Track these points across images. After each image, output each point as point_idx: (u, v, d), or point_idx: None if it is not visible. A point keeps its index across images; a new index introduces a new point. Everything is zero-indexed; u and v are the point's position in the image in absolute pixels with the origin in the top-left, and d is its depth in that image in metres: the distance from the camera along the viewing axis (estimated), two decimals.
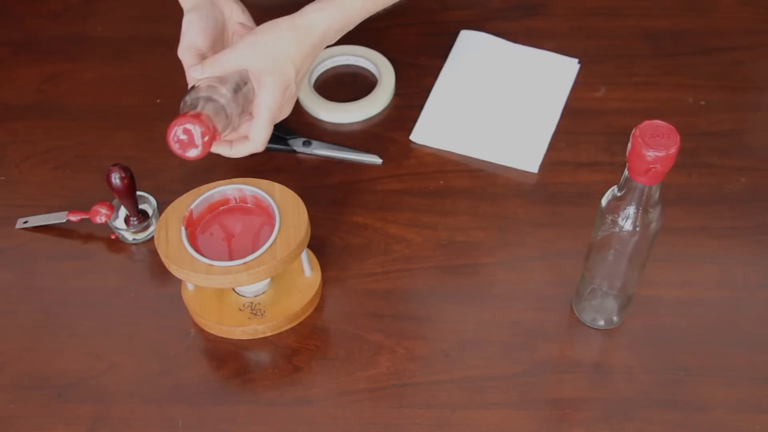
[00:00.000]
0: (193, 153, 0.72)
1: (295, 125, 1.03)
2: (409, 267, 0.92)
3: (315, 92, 1.06)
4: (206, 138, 0.71)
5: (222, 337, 0.87)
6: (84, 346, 0.86)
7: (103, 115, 1.06)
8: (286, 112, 0.81)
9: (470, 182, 0.97)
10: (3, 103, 1.07)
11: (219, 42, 0.83)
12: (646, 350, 0.85)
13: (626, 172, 0.69)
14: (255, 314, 0.86)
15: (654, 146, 0.65)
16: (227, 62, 0.77)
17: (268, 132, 0.79)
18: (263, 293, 0.88)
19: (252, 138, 0.79)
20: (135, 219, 0.91)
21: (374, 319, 0.87)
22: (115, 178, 0.87)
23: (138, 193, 0.95)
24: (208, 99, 0.74)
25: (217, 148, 0.80)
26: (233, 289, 0.87)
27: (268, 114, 0.78)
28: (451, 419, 0.81)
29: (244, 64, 0.77)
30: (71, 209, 0.94)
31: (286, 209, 0.83)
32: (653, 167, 0.66)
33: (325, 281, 0.90)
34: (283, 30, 0.78)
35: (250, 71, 0.77)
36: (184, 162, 1.00)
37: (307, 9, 0.79)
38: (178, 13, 1.17)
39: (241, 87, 0.77)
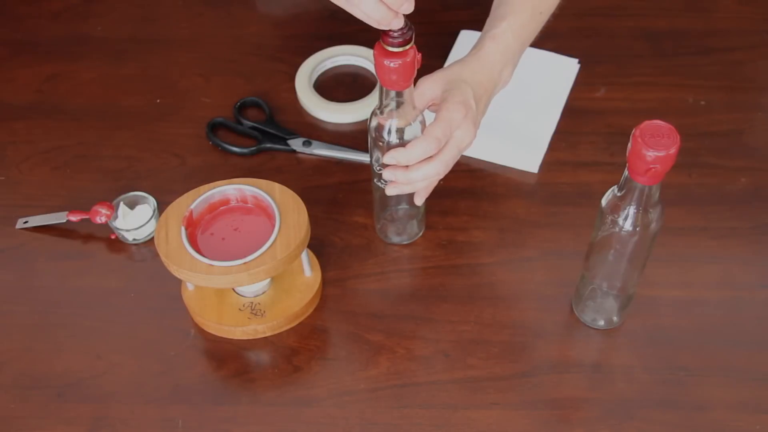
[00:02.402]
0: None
1: (295, 125, 1.04)
2: (409, 267, 0.92)
3: (315, 92, 1.06)
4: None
5: (222, 337, 0.87)
6: (84, 346, 0.86)
7: (103, 115, 1.06)
8: (466, 132, 0.80)
9: (470, 182, 0.97)
10: (3, 103, 1.07)
11: None
12: (646, 350, 0.85)
13: (626, 172, 0.69)
14: (255, 314, 0.86)
15: (654, 146, 0.65)
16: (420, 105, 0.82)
17: (442, 131, 0.78)
18: (263, 293, 0.88)
19: (425, 132, 0.78)
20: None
21: (374, 319, 0.87)
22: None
23: (138, 193, 0.95)
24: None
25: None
26: (233, 289, 0.87)
27: (444, 113, 0.79)
28: (451, 419, 0.81)
29: (433, 94, 0.82)
30: (71, 209, 0.94)
31: (286, 209, 0.83)
32: (653, 167, 0.66)
33: (325, 281, 0.90)
34: (455, 64, 0.85)
35: (436, 102, 0.82)
36: (184, 162, 1.01)
37: (472, 49, 0.87)
38: (178, 13, 1.18)
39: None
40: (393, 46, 0.71)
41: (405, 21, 0.71)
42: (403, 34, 0.71)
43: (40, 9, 1.18)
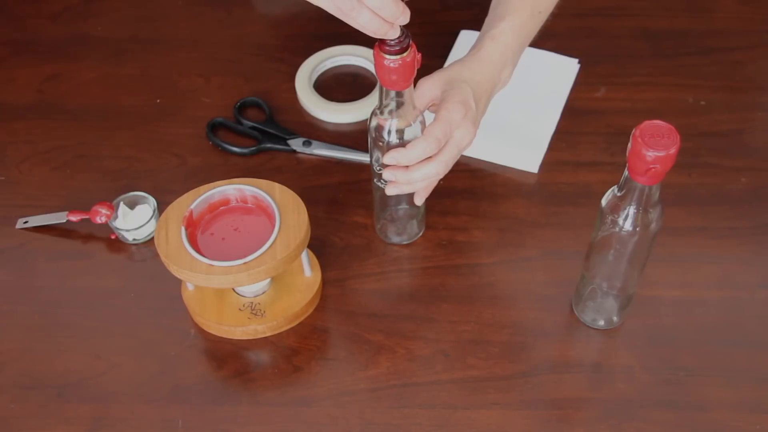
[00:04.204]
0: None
1: (295, 125, 1.04)
2: (409, 267, 0.92)
3: (315, 92, 1.06)
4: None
5: (222, 337, 0.87)
6: (84, 346, 0.86)
7: (103, 115, 1.06)
8: (466, 132, 0.80)
9: (470, 182, 0.97)
10: (3, 103, 1.07)
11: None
12: (646, 350, 0.85)
13: (626, 172, 0.69)
14: (255, 314, 0.86)
15: (654, 146, 0.65)
16: (421, 99, 0.82)
17: (442, 131, 0.78)
18: (263, 293, 0.88)
19: (425, 132, 0.78)
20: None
21: (374, 319, 0.87)
22: None
23: (138, 193, 0.95)
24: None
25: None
26: (233, 289, 0.87)
27: (444, 113, 0.79)
28: (451, 419, 0.81)
29: (433, 95, 0.82)
30: (71, 209, 0.94)
31: (286, 209, 0.83)
32: (653, 167, 0.66)
33: (325, 281, 0.90)
34: (455, 64, 0.85)
35: (436, 102, 0.82)
36: (184, 162, 1.01)
37: (471, 49, 0.87)
38: (178, 13, 1.18)
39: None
40: (390, 54, 0.72)
41: (401, 29, 0.71)
42: (399, 42, 0.72)
43: (40, 9, 1.18)
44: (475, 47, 0.86)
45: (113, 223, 0.93)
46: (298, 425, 0.81)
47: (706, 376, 0.83)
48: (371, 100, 1.04)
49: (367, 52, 1.08)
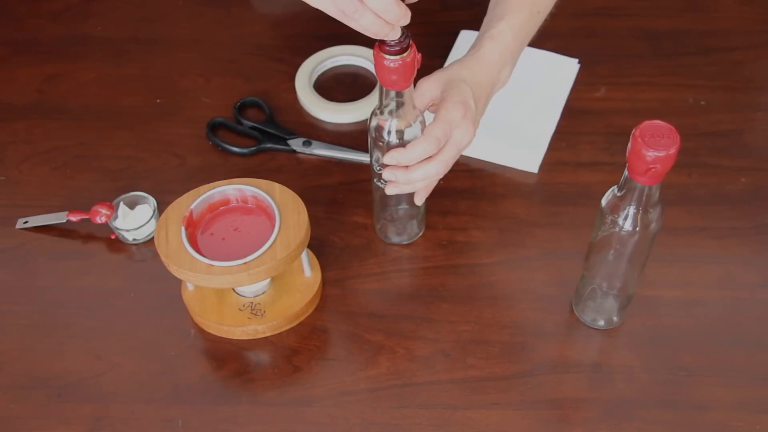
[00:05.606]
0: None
1: (295, 125, 1.04)
2: (409, 267, 0.92)
3: (315, 92, 1.06)
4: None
5: (222, 337, 0.87)
6: (84, 346, 0.86)
7: (103, 115, 1.06)
8: (466, 132, 0.80)
9: (470, 182, 0.97)
10: (3, 103, 1.07)
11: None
12: (646, 350, 0.85)
13: (626, 172, 0.69)
14: (255, 314, 0.86)
15: (654, 146, 0.65)
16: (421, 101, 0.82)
17: (442, 130, 0.78)
18: (263, 293, 0.88)
19: (425, 132, 0.78)
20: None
21: (374, 319, 0.87)
22: None
23: (138, 193, 0.95)
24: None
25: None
26: (233, 289, 0.87)
27: (443, 113, 0.79)
28: (451, 419, 0.81)
29: (433, 95, 0.82)
30: (71, 209, 0.94)
31: (286, 209, 0.83)
32: (653, 167, 0.66)
33: (325, 281, 0.90)
34: (454, 64, 0.85)
35: (436, 102, 0.82)
36: (184, 162, 1.01)
37: (470, 49, 0.87)
38: (178, 13, 1.18)
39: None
40: (390, 54, 0.72)
41: (401, 29, 0.71)
42: (399, 42, 0.72)
43: (40, 9, 1.18)
44: (474, 47, 0.86)
45: (113, 223, 0.93)
46: (298, 425, 0.81)
47: (706, 376, 0.83)
48: (371, 100, 1.04)
49: (367, 52, 1.09)
